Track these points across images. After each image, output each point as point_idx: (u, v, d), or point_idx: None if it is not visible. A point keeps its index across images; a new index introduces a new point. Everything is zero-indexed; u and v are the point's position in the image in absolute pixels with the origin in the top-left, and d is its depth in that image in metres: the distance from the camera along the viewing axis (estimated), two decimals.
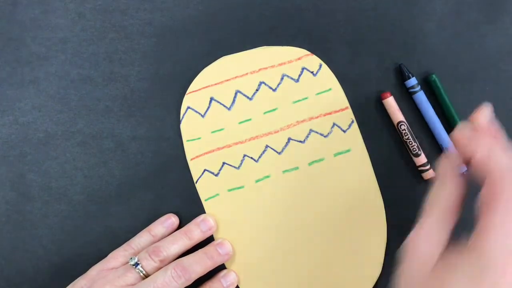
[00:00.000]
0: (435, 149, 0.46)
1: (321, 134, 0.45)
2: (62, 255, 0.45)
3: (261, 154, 0.45)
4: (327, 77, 0.45)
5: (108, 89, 0.46)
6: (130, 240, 0.44)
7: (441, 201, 0.34)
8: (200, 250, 0.43)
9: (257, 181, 0.45)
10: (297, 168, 0.45)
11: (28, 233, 0.45)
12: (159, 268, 0.41)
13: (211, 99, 0.45)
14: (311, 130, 0.45)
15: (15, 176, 0.46)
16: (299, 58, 0.45)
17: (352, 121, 0.45)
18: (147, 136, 0.46)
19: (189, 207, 0.45)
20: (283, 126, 0.45)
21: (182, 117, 0.45)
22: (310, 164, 0.45)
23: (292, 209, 0.45)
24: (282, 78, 0.45)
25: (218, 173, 0.45)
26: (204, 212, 0.45)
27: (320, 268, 0.44)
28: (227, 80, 0.45)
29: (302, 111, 0.45)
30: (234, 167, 0.45)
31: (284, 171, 0.45)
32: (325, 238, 0.44)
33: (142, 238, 0.44)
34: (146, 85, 0.46)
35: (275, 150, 0.45)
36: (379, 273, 0.44)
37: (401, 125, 0.45)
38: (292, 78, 0.45)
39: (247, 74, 0.45)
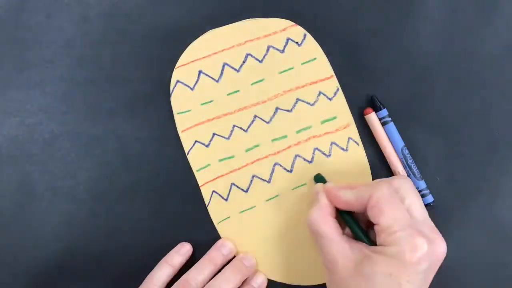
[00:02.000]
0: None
1: (308, 103, 0.46)
2: (68, 254, 0.46)
3: (250, 124, 0.46)
4: (312, 47, 0.46)
5: (112, 91, 0.47)
6: (150, 275, 0.44)
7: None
8: (229, 269, 0.44)
9: (247, 150, 0.46)
10: (285, 136, 0.46)
11: (33, 232, 0.46)
12: None
13: (200, 72, 0.46)
14: (297, 99, 0.46)
15: (21, 176, 0.46)
16: (283, 29, 0.46)
17: (338, 89, 0.46)
18: (150, 137, 0.47)
19: (191, 206, 0.46)
20: (270, 96, 0.46)
21: (172, 91, 0.46)
22: (298, 132, 0.46)
23: (281, 174, 0.46)
24: (268, 50, 0.46)
25: (209, 144, 0.46)
26: (200, 192, 0.46)
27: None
28: (215, 53, 0.46)
29: (288, 81, 0.46)
30: (224, 137, 0.46)
31: (273, 140, 0.46)
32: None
33: (161, 271, 0.44)
34: (149, 87, 0.47)
35: (263, 120, 0.46)
36: None
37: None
38: (277, 49, 0.46)
39: (233, 46, 0.46)
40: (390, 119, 0.46)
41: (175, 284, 0.43)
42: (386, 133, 0.46)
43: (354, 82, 0.47)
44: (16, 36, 0.47)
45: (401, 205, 0.38)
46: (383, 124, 0.46)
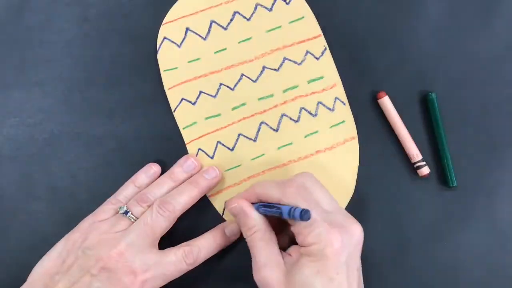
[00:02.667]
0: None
1: (295, 62, 0.46)
2: None
3: (237, 83, 0.46)
4: (300, 6, 0.46)
5: (112, 91, 0.47)
6: (116, 193, 0.45)
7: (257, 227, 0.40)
8: (185, 182, 0.44)
9: (233, 108, 0.46)
10: (272, 95, 0.46)
11: (33, 231, 0.46)
12: None
13: (187, 29, 0.46)
14: (285, 58, 0.46)
15: (21, 176, 0.46)
16: None
17: (325, 49, 0.46)
18: (149, 137, 0.47)
19: (192, 206, 0.46)
20: (257, 55, 0.46)
21: (159, 48, 0.46)
22: (284, 91, 0.46)
23: (267, 133, 0.46)
24: (255, 8, 0.46)
25: (195, 102, 0.46)
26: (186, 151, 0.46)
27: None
28: (202, 11, 0.46)
29: (276, 40, 0.46)
30: (211, 95, 0.46)
31: (260, 99, 0.46)
32: (299, 157, 0.46)
33: (127, 190, 0.45)
34: (148, 87, 0.47)
35: (250, 79, 0.46)
36: (351, 196, 0.46)
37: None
38: (265, 7, 0.46)
39: (221, 4, 0.46)
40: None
41: (132, 198, 0.44)
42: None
43: (355, 81, 0.47)
44: (16, 36, 0.47)
45: (311, 201, 0.39)
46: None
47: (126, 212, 0.43)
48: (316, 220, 0.38)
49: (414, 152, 0.45)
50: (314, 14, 0.47)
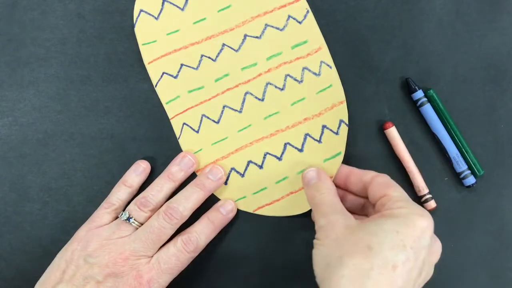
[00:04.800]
0: (439, 162, 0.46)
1: (277, 28, 0.45)
2: None
3: (219, 53, 0.45)
4: None
5: (108, 90, 0.46)
6: (108, 196, 0.44)
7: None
8: (190, 184, 0.44)
9: (216, 80, 0.45)
10: (255, 64, 0.45)
11: (27, 234, 0.45)
12: (151, 217, 0.42)
13: (163, 0, 0.45)
14: (266, 25, 0.45)
15: (14, 177, 0.46)
16: None
17: (307, 11, 0.45)
18: (146, 137, 0.46)
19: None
20: (238, 23, 0.45)
21: (136, 21, 0.45)
22: (268, 59, 0.45)
23: (253, 103, 0.45)
24: None
25: (177, 75, 0.45)
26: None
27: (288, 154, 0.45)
28: None
29: (256, 6, 0.45)
30: (192, 67, 0.45)
31: (243, 68, 0.45)
32: (287, 125, 0.45)
33: (120, 192, 0.44)
34: (145, 86, 0.46)
35: (232, 48, 0.45)
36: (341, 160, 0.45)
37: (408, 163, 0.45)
38: None
39: None
40: (426, 99, 0.45)
41: (132, 202, 0.43)
42: (423, 115, 0.45)
43: (357, 79, 0.46)
44: (9, 34, 0.46)
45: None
46: (420, 105, 0.45)
47: (128, 218, 0.42)
48: (408, 198, 0.39)
49: (421, 185, 0.45)
50: (316, 10, 0.46)
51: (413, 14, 0.47)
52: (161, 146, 0.46)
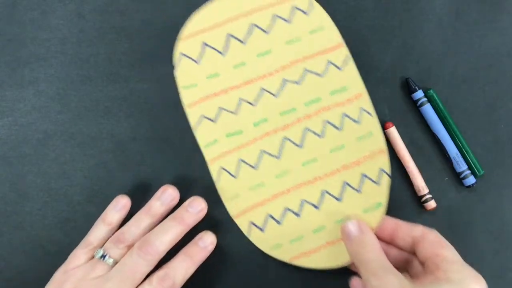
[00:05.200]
0: (439, 162, 0.46)
1: (317, 74, 0.45)
2: (62, 256, 0.45)
3: (258, 98, 0.45)
4: (320, 15, 0.45)
5: (108, 90, 0.46)
6: (87, 235, 0.42)
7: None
8: (168, 217, 0.42)
9: (255, 124, 0.44)
10: (294, 109, 0.44)
11: (27, 234, 0.45)
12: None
13: (204, 44, 0.45)
14: (306, 70, 0.45)
15: (14, 177, 0.45)
16: None
17: (348, 58, 0.45)
18: (146, 137, 0.46)
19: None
20: (277, 68, 0.45)
21: (176, 65, 0.45)
22: (306, 104, 0.44)
23: (291, 149, 0.44)
24: (274, 20, 0.45)
25: (216, 119, 0.45)
26: (207, 168, 0.45)
27: (326, 203, 0.44)
28: (219, 25, 0.45)
29: (296, 51, 0.45)
30: (231, 112, 0.44)
31: (282, 113, 0.44)
32: (325, 173, 0.44)
33: (98, 231, 0.42)
34: (145, 85, 0.46)
35: (271, 93, 0.45)
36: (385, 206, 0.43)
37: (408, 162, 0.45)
38: (284, 19, 0.45)
39: (238, 17, 0.45)
40: (426, 99, 0.45)
41: (110, 238, 0.41)
42: (423, 115, 0.45)
43: None
44: (9, 33, 0.46)
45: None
46: (420, 105, 0.45)
47: (103, 256, 0.40)
48: (461, 260, 0.38)
49: (421, 185, 0.45)
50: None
51: (413, 14, 0.47)
52: (160, 146, 0.46)
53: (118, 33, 0.46)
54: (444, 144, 0.45)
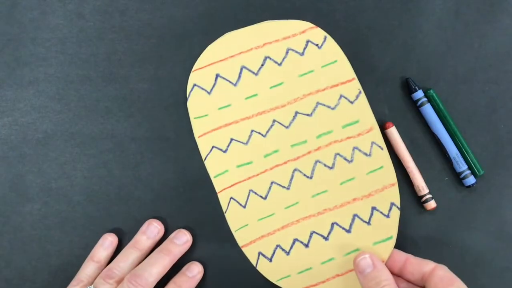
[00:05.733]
0: (439, 163, 0.46)
1: (329, 107, 0.45)
2: (62, 256, 0.45)
3: (269, 129, 0.45)
4: (332, 49, 0.45)
5: (108, 89, 0.46)
6: (77, 274, 0.43)
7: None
8: (155, 250, 0.43)
9: (265, 155, 0.45)
10: (305, 141, 0.45)
11: (27, 234, 0.45)
12: None
13: (217, 75, 0.45)
14: (318, 103, 0.45)
15: (14, 177, 0.45)
16: (303, 31, 0.45)
17: (360, 92, 0.45)
18: (146, 137, 0.46)
19: (188, 207, 0.45)
20: (290, 100, 0.45)
21: (189, 95, 0.45)
22: (318, 137, 0.45)
23: (301, 180, 0.44)
24: (287, 52, 0.45)
25: (227, 150, 0.45)
26: (216, 196, 0.45)
27: (333, 237, 0.44)
28: (232, 56, 0.45)
29: (309, 84, 0.45)
30: (242, 142, 0.45)
31: (293, 145, 0.45)
32: (335, 205, 0.44)
33: (88, 269, 0.43)
34: (145, 85, 0.46)
35: (282, 125, 0.45)
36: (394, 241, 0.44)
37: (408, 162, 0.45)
38: (297, 52, 0.45)
39: (251, 49, 0.45)
40: (426, 99, 0.45)
41: (99, 275, 0.42)
42: (423, 115, 0.45)
43: (357, 79, 0.46)
44: (9, 33, 0.46)
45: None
46: (420, 105, 0.45)
47: None
48: None
49: (421, 185, 0.45)
50: (316, 10, 0.46)
51: (413, 14, 0.46)
52: (160, 146, 0.46)
53: (118, 33, 0.46)
54: (444, 144, 0.45)
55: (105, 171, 0.46)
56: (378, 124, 0.45)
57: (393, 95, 0.46)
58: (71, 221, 0.45)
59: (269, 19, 0.46)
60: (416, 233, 0.45)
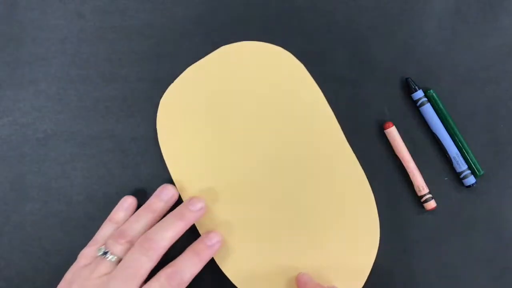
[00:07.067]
0: (439, 163, 0.46)
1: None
2: (62, 256, 0.45)
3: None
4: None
5: (108, 89, 0.46)
6: (95, 235, 0.43)
7: None
8: (168, 214, 0.42)
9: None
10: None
11: (27, 234, 0.45)
12: (129, 250, 0.40)
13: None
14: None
15: (14, 177, 0.45)
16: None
17: None
18: (146, 137, 0.46)
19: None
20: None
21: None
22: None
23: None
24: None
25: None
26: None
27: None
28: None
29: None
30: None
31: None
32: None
33: (106, 230, 0.43)
34: (145, 85, 0.46)
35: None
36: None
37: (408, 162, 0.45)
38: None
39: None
40: (426, 99, 0.45)
41: (111, 235, 0.41)
42: (423, 115, 0.45)
43: (357, 79, 0.46)
44: (9, 33, 0.46)
45: None
46: (420, 105, 0.45)
47: (105, 253, 0.40)
48: None
49: (421, 185, 0.45)
50: (316, 10, 0.46)
51: (413, 14, 0.47)
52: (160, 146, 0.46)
53: (118, 33, 0.46)
54: (444, 144, 0.45)
55: (105, 171, 0.46)
56: (378, 124, 0.45)
57: (393, 95, 0.46)
58: (71, 221, 0.45)
59: (269, 19, 0.46)
60: (416, 233, 0.45)
